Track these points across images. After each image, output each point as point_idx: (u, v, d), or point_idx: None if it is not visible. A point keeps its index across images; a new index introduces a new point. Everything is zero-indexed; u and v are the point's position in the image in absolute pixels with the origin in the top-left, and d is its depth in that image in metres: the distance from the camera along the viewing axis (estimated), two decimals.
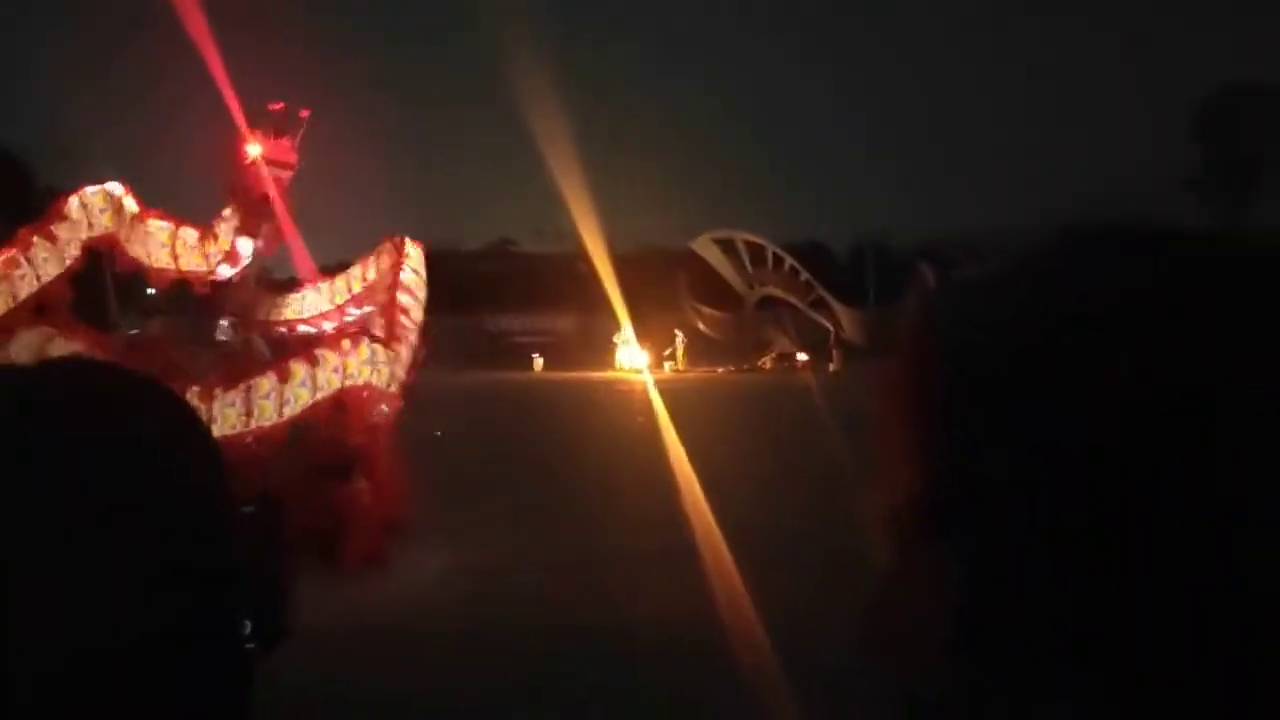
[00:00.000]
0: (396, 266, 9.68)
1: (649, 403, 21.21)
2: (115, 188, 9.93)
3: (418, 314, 9.50)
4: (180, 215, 10.79)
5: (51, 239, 9.21)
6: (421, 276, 9.82)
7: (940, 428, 0.46)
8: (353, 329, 9.16)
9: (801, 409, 19.15)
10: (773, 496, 10.53)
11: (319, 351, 8.26)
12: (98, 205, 9.69)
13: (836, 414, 14.02)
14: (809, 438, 14.45)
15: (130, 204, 10.03)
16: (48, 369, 0.76)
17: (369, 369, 8.44)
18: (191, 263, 10.30)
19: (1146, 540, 0.41)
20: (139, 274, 10.43)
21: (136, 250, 10.10)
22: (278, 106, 10.85)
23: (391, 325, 9.09)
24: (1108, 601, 0.42)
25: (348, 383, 8.27)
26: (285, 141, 10.67)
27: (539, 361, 38.91)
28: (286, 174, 10.65)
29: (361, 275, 10.36)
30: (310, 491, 8.05)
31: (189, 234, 10.34)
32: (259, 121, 10.75)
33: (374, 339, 8.68)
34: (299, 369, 8.08)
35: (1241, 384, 0.42)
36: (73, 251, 9.38)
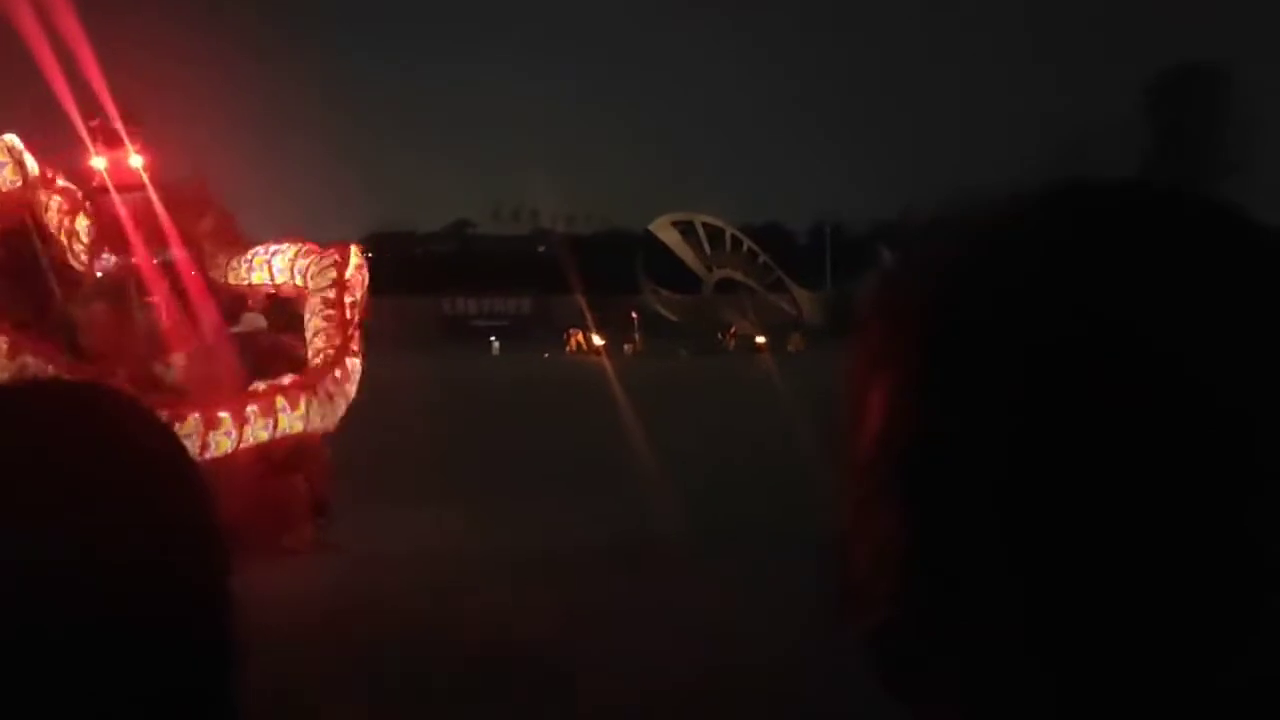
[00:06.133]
0: (341, 282, 9.28)
1: (607, 386, 21.22)
2: (14, 140, 8.96)
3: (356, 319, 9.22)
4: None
5: None
6: (362, 284, 9.53)
7: (896, 383, 0.46)
8: (291, 385, 8.53)
9: (762, 391, 19.23)
10: (733, 481, 10.57)
11: (250, 410, 8.01)
12: None
13: (796, 395, 14.09)
14: (769, 420, 14.53)
15: (31, 161, 9.08)
16: (34, 391, 0.73)
17: (301, 423, 8.26)
18: (64, 256, 9.42)
19: (1103, 507, 0.40)
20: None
21: (40, 216, 9.27)
22: (95, 122, 9.76)
23: (346, 342, 8.89)
24: (1059, 562, 0.41)
25: (277, 434, 8.08)
26: (127, 162, 9.68)
27: (496, 345, 38.74)
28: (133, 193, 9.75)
29: (304, 272, 9.60)
30: (249, 487, 8.01)
31: (81, 225, 9.41)
32: (93, 134, 9.65)
33: (311, 392, 8.37)
34: (225, 419, 7.88)
35: (1222, 348, 0.41)
36: None
